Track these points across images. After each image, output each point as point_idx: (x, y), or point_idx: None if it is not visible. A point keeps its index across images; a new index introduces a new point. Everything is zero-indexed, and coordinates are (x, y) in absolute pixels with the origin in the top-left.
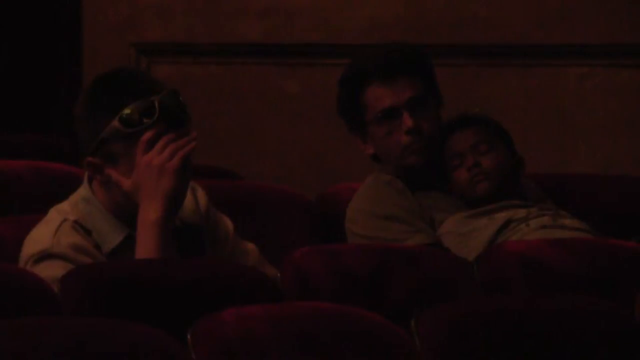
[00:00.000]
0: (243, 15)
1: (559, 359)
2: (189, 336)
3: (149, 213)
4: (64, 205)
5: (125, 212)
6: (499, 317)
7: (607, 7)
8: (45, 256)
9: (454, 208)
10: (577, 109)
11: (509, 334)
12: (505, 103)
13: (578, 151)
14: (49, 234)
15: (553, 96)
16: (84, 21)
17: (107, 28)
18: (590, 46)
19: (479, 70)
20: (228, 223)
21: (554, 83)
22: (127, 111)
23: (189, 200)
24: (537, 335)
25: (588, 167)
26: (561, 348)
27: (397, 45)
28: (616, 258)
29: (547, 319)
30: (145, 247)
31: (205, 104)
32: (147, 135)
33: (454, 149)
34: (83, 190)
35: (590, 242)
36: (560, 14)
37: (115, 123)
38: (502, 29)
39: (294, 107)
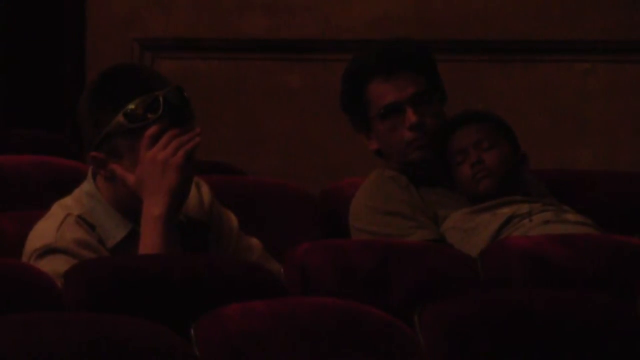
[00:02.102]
0: (247, 10)
1: (562, 355)
2: (192, 332)
3: (153, 208)
4: (67, 200)
5: (129, 207)
6: (502, 313)
7: (610, 3)
8: (48, 251)
9: (458, 204)
10: (581, 105)
11: (512, 330)
12: (509, 99)
13: (581, 147)
14: (53, 228)
15: (556, 92)
16: (88, 16)
17: (110, 23)
18: (594, 42)
19: (482, 66)
20: (232, 218)
21: (558, 79)
22: (131, 106)
23: (193, 195)
24: (541, 330)
25: (591, 163)
26: (565, 343)
27: (400, 40)
28: (619, 254)
29: (550, 315)
30: (149, 242)
31: (208, 99)
32: (151, 130)
33: (457, 145)
34: (87, 185)
35: (593, 238)
36: (563, 10)
37: (120, 118)
38: (506, 25)
39: (297, 102)
